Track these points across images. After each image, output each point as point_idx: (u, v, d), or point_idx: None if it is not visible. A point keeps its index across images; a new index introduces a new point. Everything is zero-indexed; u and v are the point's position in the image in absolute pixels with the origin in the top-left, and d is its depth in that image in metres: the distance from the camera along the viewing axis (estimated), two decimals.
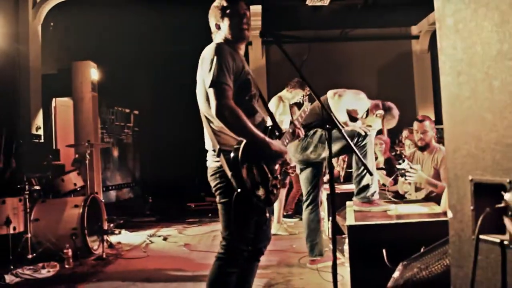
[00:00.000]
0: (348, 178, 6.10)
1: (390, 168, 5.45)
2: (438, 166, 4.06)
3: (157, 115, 9.84)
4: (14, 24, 6.54)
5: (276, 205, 5.74)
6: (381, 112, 4.06)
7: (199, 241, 5.81)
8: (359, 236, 3.00)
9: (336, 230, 2.44)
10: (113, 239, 5.66)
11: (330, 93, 3.99)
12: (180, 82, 7.37)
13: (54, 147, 7.36)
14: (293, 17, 8.81)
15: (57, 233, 4.79)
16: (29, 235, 4.64)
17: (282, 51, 2.45)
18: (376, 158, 5.43)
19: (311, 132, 3.90)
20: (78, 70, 7.31)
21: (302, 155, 3.99)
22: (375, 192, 3.74)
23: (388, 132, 5.03)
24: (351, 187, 4.17)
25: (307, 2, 7.54)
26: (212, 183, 2.43)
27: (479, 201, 1.25)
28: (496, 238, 1.20)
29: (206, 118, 2.42)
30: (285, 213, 6.63)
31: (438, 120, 7.19)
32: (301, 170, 4.19)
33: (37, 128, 6.55)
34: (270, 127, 2.51)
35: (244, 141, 2.25)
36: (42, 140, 6.39)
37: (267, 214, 2.55)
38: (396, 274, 2.02)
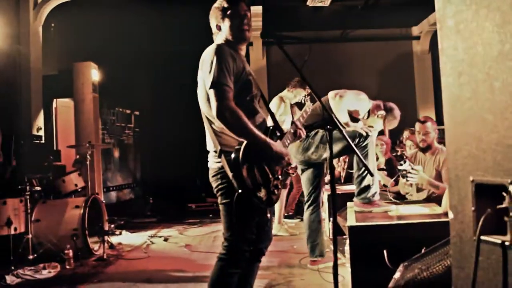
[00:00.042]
0: (348, 179, 6.09)
1: (391, 168, 5.45)
2: (440, 167, 4.04)
3: (157, 115, 9.84)
4: (15, 25, 6.55)
5: (277, 206, 5.74)
6: (382, 112, 4.05)
7: (200, 242, 5.81)
8: (360, 237, 3.00)
9: (337, 230, 2.44)
10: (114, 239, 5.66)
11: (331, 94, 3.99)
12: (180, 82, 7.39)
13: (55, 148, 7.37)
14: (294, 18, 8.81)
15: (58, 234, 4.80)
16: (30, 235, 4.64)
17: (283, 52, 2.45)
18: (377, 159, 5.42)
19: (313, 132, 3.90)
20: (79, 71, 7.31)
21: (303, 155, 3.99)
22: (376, 192, 3.74)
23: (389, 132, 5.03)
24: (352, 187, 4.17)
25: (307, 3, 7.54)
26: (214, 184, 2.43)
27: (480, 202, 1.25)
28: (497, 239, 1.20)
29: (207, 119, 2.42)
30: (286, 214, 6.63)
31: (439, 121, 7.17)
32: (303, 170, 4.19)
33: (38, 129, 6.55)
34: (271, 128, 2.51)
35: (245, 142, 2.25)
36: (43, 141, 6.39)
37: (268, 215, 2.55)
38: (397, 275, 2.02)
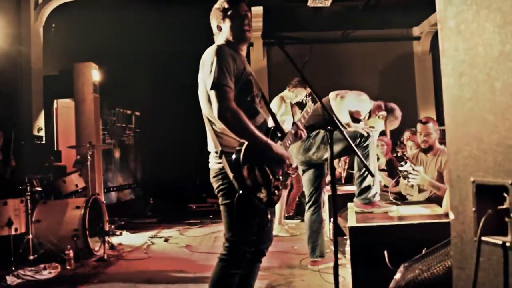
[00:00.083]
0: (349, 179, 6.09)
1: (391, 169, 5.45)
2: (442, 168, 4.01)
3: (158, 116, 9.85)
4: (16, 25, 6.56)
5: (277, 206, 5.73)
6: (383, 113, 4.05)
7: (201, 243, 5.81)
8: (361, 238, 3.00)
9: (338, 231, 2.43)
10: (114, 240, 5.66)
11: (332, 95, 3.99)
12: (181, 82, 7.40)
13: (55, 149, 7.37)
14: (295, 19, 8.81)
15: (59, 234, 4.80)
16: (30, 236, 4.64)
17: (284, 52, 2.45)
18: (378, 159, 5.42)
19: (314, 133, 3.90)
20: (80, 72, 7.31)
21: (304, 156, 3.99)
22: (376, 193, 3.74)
23: (390, 133, 5.02)
24: (353, 188, 4.17)
25: (308, 4, 7.54)
26: (215, 185, 2.43)
27: (481, 202, 1.25)
28: (498, 240, 1.20)
29: (208, 120, 2.43)
30: (286, 215, 6.63)
31: (440, 122, 7.17)
32: (304, 171, 4.19)
33: (39, 130, 6.56)
34: (272, 128, 2.51)
35: (246, 143, 2.25)
36: (43, 142, 6.40)
37: (269, 216, 2.55)
38: (397, 275, 2.02)
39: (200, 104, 2.47)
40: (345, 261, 3.66)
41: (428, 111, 9.22)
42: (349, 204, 3.99)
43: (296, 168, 4.23)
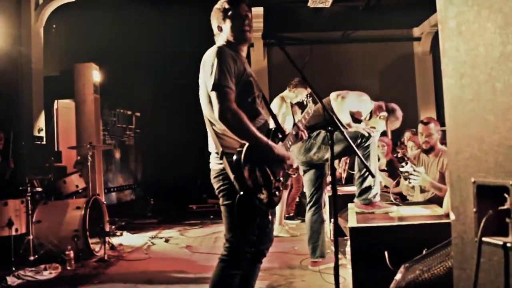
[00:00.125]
0: (349, 180, 6.08)
1: (392, 170, 5.44)
2: (444, 169, 3.98)
3: (158, 116, 9.86)
4: (16, 26, 6.56)
5: (278, 207, 5.72)
6: (384, 113, 4.05)
7: (201, 243, 5.81)
8: (361, 238, 3.00)
9: (338, 232, 2.43)
10: (114, 240, 5.66)
11: (333, 95, 3.99)
12: (181, 82, 7.41)
13: (56, 149, 7.37)
14: (295, 19, 8.82)
15: (59, 235, 4.80)
16: (31, 236, 4.65)
17: (284, 53, 2.45)
18: (378, 160, 5.42)
19: (315, 133, 3.90)
20: (80, 72, 7.31)
21: (305, 156, 3.99)
22: (376, 194, 3.74)
23: (391, 133, 5.02)
24: (353, 189, 4.17)
25: (308, 4, 7.54)
26: (215, 185, 2.43)
27: (482, 203, 1.25)
28: (499, 240, 1.20)
29: (209, 121, 2.43)
30: (286, 215, 6.63)
31: (440, 122, 7.17)
32: (304, 171, 4.19)
33: (39, 130, 6.56)
34: (273, 130, 2.51)
35: (247, 144, 2.25)
36: (44, 142, 6.40)
37: (270, 217, 2.56)
38: (398, 276, 2.02)
39: (201, 105, 2.47)
40: (346, 261, 3.66)
41: (428, 112, 9.21)
42: (349, 205, 3.99)
43: (297, 168, 4.23)
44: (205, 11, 2.61)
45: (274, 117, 2.74)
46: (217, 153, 2.37)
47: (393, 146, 6.20)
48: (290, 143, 2.57)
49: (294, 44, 9.31)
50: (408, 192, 4.34)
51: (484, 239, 1.22)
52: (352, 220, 3.30)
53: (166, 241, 5.97)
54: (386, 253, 2.77)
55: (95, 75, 7.39)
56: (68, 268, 4.51)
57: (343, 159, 6.30)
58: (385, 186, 5.12)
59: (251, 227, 2.39)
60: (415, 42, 9.79)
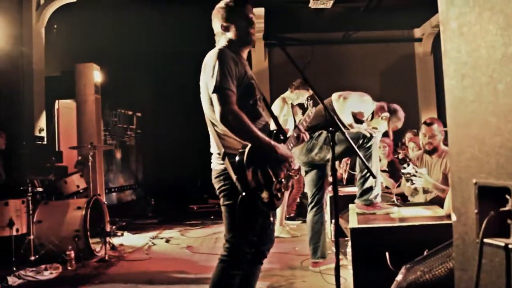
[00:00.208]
0: (350, 181, 6.09)
1: (393, 171, 5.44)
2: (447, 170, 3.92)
3: (159, 116, 9.87)
4: (18, 26, 6.57)
5: (279, 208, 5.73)
6: (386, 114, 4.04)
7: (202, 243, 5.81)
8: (362, 239, 2.99)
9: (339, 232, 2.43)
10: (115, 241, 5.66)
11: (334, 96, 3.98)
12: (181, 82, 7.41)
13: (57, 149, 7.38)
14: (296, 20, 8.82)
15: (60, 235, 4.80)
16: (31, 237, 4.65)
17: (285, 53, 2.45)
18: (380, 161, 5.42)
19: (316, 134, 3.89)
20: (81, 72, 7.32)
21: (307, 157, 3.99)
22: (378, 194, 3.73)
23: (392, 134, 5.02)
24: (354, 189, 4.16)
25: (310, 5, 7.54)
26: (217, 186, 2.43)
27: (483, 204, 1.25)
28: (500, 242, 1.20)
29: (211, 122, 2.42)
30: (287, 216, 6.63)
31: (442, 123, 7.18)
32: (306, 172, 4.18)
33: (40, 130, 6.57)
34: (274, 131, 2.50)
35: (249, 145, 2.25)
36: (45, 142, 6.41)
37: (271, 218, 2.55)
38: (399, 277, 2.02)
39: (203, 106, 2.47)
40: (347, 262, 3.66)
41: (429, 113, 9.22)
42: (350, 205, 3.99)
43: (299, 170, 4.23)
44: (205, 11, 2.60)
45: (275, 119, 2.74)
46: (219, 154, 2.37)
47: (394, 147, 6.20)
48: (291, 145, 2.57)
49: (295, 44, 9.32)
50: (411, 193, 4.32)
51: (485, 240, 1.22)
52: (353, 221, 3.30)
53: (167, 241, 5.97)
54: (387, 254, 2.77)
55: (96, 75, 7.40)
56: (69, 268, 4.51)
57: (344, 159, 6.31)
58: (386, 187, 5.12)
59: (253, 228, 2.39)
60: (416, 43, 9.79)
